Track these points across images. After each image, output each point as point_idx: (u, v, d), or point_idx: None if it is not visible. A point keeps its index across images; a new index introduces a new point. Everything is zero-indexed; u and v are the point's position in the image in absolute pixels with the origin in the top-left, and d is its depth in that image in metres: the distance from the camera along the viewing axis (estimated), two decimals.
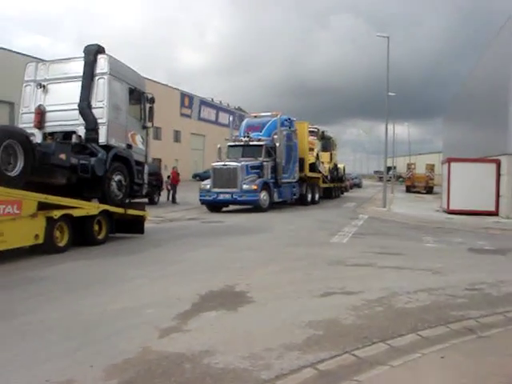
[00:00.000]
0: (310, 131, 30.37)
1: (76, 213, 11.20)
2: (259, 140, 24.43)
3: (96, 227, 12.08)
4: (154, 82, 51.89)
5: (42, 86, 12.74)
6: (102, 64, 12.40)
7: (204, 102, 72.58)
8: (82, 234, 11.83)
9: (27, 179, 10.18)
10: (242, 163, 22.78)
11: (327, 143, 35.12)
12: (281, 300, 7.08)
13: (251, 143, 24.42)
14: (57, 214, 10.55)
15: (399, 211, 24.78)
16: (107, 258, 10.47)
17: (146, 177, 14.05)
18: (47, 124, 12.64)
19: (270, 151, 24.30)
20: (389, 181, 61.81)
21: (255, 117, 27.45)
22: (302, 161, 27.75)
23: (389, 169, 69.60)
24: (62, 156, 10.88)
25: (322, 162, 32.74)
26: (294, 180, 26.63)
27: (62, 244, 10.89)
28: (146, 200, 21.06)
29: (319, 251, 11.71)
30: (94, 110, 12.26)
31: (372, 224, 18.86)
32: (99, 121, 12.21)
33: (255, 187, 22.28)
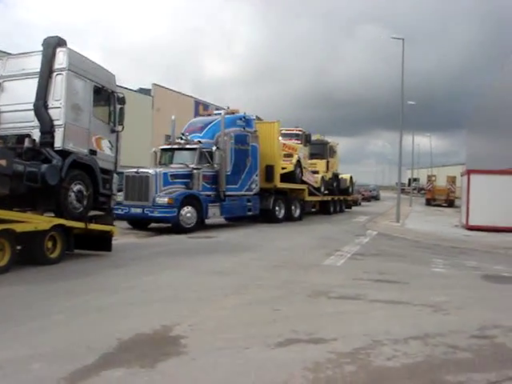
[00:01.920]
0: (291, 134, 26.76)
1: (20, 228, 9.59)
2: (195, 143, 19.74)
3: (49, 244, 10.47)
4: (167, 88, 50.69)
5: None
6: (60, 58, 10.85)
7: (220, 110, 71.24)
8: (31, 252, 10.28)
9: None
10: (159, 170, 18.15)
11: (322, 149, 30.61)
12: (221, 351, 5.36)
13: (183, 146, 19.86)
14: None
15: (413, 227, 22.82)
16: (46, 282, 8.81)
17: (114, 187, 12.43)
18: (1, 126, 11.13)
19: (208, 156, 19.47)
20: (409, 193, 60.15)
21: (204, 115, 23.79)
22: (269, 169, 22.83)
23: (411, 181, 67.79)
24: (2, 162, 9.28)
25: (316, 171, 29.00)
26: (251, 192, 21.68)
27: (1, 264, 9.29)
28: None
29: (304, 277, 9.98)
30: (50, 111, 10.70)
31: (378, 242, 17.03)
32: (55, 122, 10.65)
33: (170, 201, 17.19)
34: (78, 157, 11.03)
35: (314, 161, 29.29)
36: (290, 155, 24.92)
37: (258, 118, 77.71)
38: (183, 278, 9.60)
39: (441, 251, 14.92)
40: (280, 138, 24.38)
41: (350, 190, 36.51)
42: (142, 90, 49.44)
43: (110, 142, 12.16)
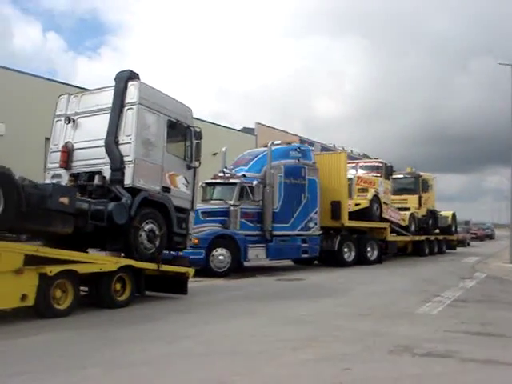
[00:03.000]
0: (370, 166, 24.49)
1: (82, 269, 9.16)
2: (237, 177, 17.89)
3: (117, 286, 9.99)
4: (270, 127, 50.66)
5: (70, 121, 11.14)
6: (131, 92, 10.54)
7: (325, 149, 70.47)
8: (98, 295, 9.84)
9: (12, 226, 8.36)
10: None
11: (414, 183, 28.07)
12: None
13: (225, 181, 17.98)
14: (52, 270, 8.54)
15: None
16: (102, 327, 8.22)
17: (191, 226, 11.83)
18: (74, 164, 10.96)
19: (249, 192, 17.39)
20: None
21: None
22: (335, 205, 20.23)
23: None
24: (64, 200, 8.93)
25: (407, 208, 26.70)
26: (308, 232, 19.01)
27: (62, 306, 8.85)
28: None
29: (389, 328, 8.70)
30: (120, 147, 10.37)
31: (486, 286, 15.17)
32: (125, 159, 10.28)
33: (195, 241, 14.64)
34: (149, 194, 10.56)
35: (404, 196, 27.26)
36: (365, 189, 22.23)
37: (366, 156, 75.63)
38: (251, 327, 8.65)
39: None
40: (355, 170, 23.48)
41: (453, 228, 33.12)
42: (245, 130, 49.85)
43: (185, 178, 11.62)
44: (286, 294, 12.61)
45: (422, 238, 27.80)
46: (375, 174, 23.78)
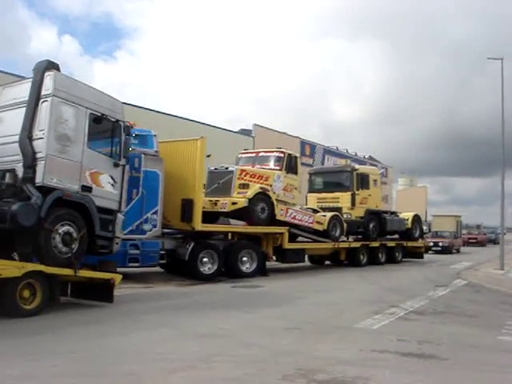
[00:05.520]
0: (265, 157, 19.37)
1: None
2: None
3: (25, 293, 9.12)
4: (268, 129, 49.72)
5: None
6: (47, 84, 9.69)
7: (328, 151, 69.26)
8: (2, 302, 8.99)
9: None
10: None
11: (346, 178, 23.38)
12: None
13: None
14: None
15: None
16: None
17: (118, 228, 10.93)
18: None
19: None
20: None
21: None
22: (186, 204, 15.88)
23: None
24: None
25: (337, 209, 22.35)
26: (143, 236, 15.05)
27: None
28: None
29: (309, 346, 7.74)
30: (34, 142, 9.52)
31: (457, 295, 14.06)
32: (37, 155, 9.42)
33: None
34: (64, 194, 9.68)
35: (336, 194, 23.20)
36: (243, 186, 17.67)
37: (372, 159, 73.27)
38: (150, 341, 7.72)
39: None
40: (254, 163, 19.20)
41: (416, 233, 27.33)
42: (243, 131, 49.00)
43: (111, 177, 10.71)
44: (225, 303, 11.63)
45: (358, 245, 23.31)
46: (274, 167, 19.02)
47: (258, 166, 18.87)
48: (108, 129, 10.73)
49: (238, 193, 17.48)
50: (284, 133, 58.14)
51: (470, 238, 51.59)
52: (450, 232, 40.21)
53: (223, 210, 17.24)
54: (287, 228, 18.83)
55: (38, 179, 9.37)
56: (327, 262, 23.79)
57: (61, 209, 9.66)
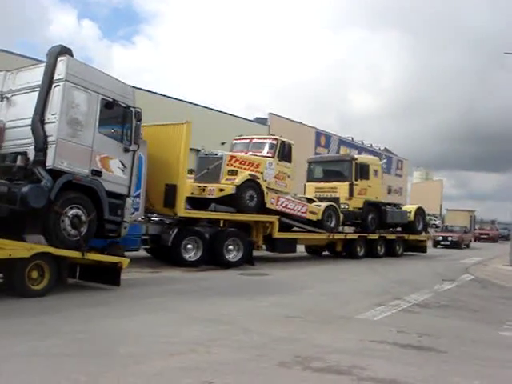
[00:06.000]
0: (258, 144, 18.99)
1: None
2: None
3: (34, 274, 9.31)
4: (287, 119, 49.59)
5: (3, 98, 10.51)
6: (59, 68, 9.84)
7: (343, 142, 69.05)
8: (10, 282, 9.20)
9: None
10: None
11: (345, 168, 23.02)
12: None
13: None
14: None
15: None
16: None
17: (127, 213, 11.09)
18: (5, 144, 10.31)
19: None
20: None
21: None
22: (169, 189, 15.43)
23: None
24: None
25: (335, 199, 22.01)
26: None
27: None
28: None
29: (308, 334, 7.85)
30: (45, 126, 9.69)
31: (462, 290, 14.10)
32: (48, 139, 9.59)
33: None
34: (74, 177, 9.85)
35: (334, 184, 22.83)
36: (232, 172, 17.24)
37: (387, 151, 72.65)
38: (152, 324, 7.89)
39: None
40: (248, 149, 18.75)
41: (419, 226, 26.65)
42: (258, 120, 49.01)
43: (121, 162, 10.87)
44: (230, 290, 11.80)
45: (356, 236, 22.72)
46: (267, 155, 18.55)
47: (251, 153, 18.45)
48: (119, 114, 10.86)
49: (227, 179, 17.09)
50: (299, 122, 57.90)
51: (481, 234, 51.11)
52: (460, 227, 40.02)
53: (211, 196, 16.93)
54: (278, 217, 18.36)
55: (49, 162, 9.54)
56: (325, 253, 23.35)
57: (70, 192, 9.84)
